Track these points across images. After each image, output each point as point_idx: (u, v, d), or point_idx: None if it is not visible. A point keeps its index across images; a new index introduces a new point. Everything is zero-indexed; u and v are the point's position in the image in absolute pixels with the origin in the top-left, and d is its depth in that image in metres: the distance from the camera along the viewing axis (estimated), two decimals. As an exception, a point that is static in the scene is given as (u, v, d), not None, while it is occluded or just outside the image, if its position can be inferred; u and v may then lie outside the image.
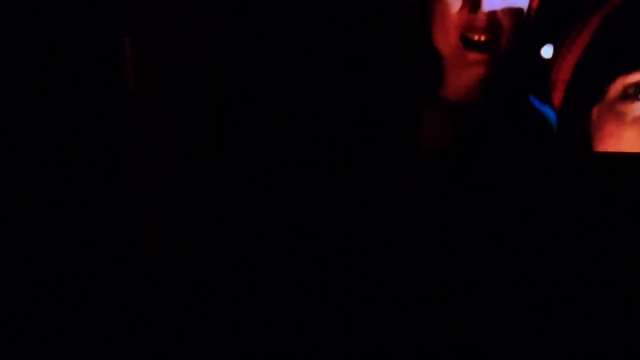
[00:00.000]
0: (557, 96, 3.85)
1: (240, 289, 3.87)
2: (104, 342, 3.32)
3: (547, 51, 3.81)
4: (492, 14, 3.79)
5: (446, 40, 3.87)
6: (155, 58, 3.38)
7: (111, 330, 3.34)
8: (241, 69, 3.96)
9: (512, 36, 3.79)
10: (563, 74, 3.82)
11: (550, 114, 3.86)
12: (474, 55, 3.83)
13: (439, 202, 4.04)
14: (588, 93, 3.77)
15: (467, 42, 3.82)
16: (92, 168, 3.23)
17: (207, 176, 3.78)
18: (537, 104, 3.91)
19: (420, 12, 3.93)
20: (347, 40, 4.00)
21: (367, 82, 4.02)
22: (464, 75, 3.91)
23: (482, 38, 3.82)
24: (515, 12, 3.81)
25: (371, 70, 4.04)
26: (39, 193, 3.22)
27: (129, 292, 3.39)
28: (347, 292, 3.89)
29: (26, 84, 3.23)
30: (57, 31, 3.16)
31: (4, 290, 3.22)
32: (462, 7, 3.80)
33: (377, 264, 3.96)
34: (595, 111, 3.76)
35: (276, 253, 3.96)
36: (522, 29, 3.85)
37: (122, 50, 3.21)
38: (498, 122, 3.95)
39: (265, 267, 3.94)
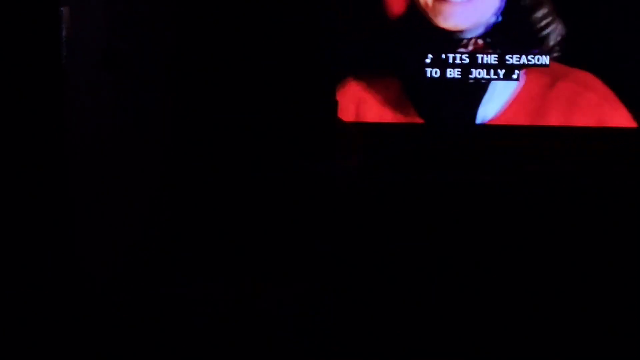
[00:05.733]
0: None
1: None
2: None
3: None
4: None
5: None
6: (92, 30, 2.97)
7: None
8: (190, 45, 3.69)
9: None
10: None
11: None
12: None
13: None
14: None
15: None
16: (26, 149, 2.83)
17: (149, 155, 3.47)
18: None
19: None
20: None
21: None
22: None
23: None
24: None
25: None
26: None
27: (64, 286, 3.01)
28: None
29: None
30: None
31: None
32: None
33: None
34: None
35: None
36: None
37: (59, 21, 2.78)
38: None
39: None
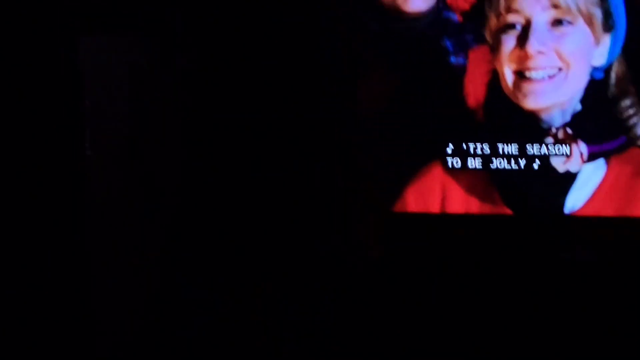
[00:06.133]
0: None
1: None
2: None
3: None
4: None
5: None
6: (114, 123, 3.23)
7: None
8: (204, 134, 3.79)
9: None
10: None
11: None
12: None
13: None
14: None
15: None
16: (50, 235, 3.12)
17: (167, 242, 3.60)
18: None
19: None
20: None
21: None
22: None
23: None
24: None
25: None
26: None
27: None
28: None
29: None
30: (16, 94, 3.09)
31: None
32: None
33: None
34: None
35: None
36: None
37: (83, 114, 3.08)
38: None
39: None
